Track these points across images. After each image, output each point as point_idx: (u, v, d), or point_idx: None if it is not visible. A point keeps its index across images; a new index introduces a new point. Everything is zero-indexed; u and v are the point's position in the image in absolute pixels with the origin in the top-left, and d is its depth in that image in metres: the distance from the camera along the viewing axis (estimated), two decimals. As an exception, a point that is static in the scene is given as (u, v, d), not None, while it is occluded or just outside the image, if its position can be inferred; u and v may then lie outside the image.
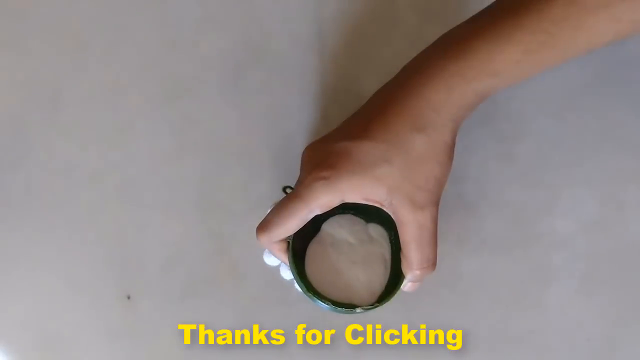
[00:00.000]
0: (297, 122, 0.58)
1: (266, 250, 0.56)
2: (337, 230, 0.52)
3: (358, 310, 0.49)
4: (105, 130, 0.58)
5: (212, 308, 0.56)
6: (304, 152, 0.50)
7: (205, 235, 0.57)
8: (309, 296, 0.50)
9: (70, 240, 0.57)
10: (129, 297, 0.56)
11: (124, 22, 0.59)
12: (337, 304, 0.50)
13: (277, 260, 0.56)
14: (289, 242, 0.50)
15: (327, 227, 0.52)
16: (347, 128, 0.49)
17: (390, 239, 0.52)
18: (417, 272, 0.49)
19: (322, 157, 0.48)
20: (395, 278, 0.51)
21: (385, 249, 0.52)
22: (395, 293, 0.50)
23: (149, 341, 0.56)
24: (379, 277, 0.51)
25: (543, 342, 0.56)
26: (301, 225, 0.48)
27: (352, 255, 0.51)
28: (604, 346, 0.56)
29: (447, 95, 0.46)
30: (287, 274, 0.56)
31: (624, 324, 0.56)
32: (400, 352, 0.56)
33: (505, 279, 0.56)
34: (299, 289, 0.50)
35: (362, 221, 0.52)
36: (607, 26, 0.45)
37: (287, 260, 0.50)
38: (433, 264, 0.49)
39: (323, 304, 0.49)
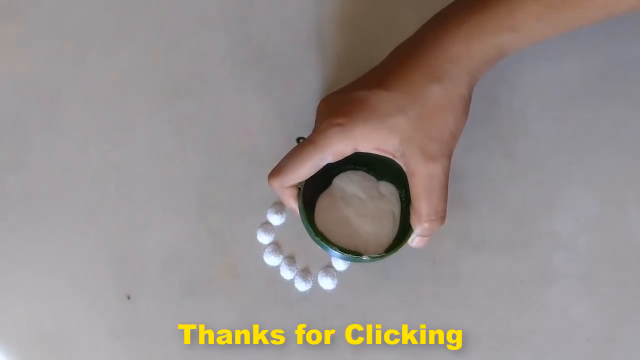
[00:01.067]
0: (297, 122, 0.58)
1: (266, 250, 0.56)
2: (348, 184, 0.52)
3: (364, 257, 0.50)
4: (105, 130, 0.58)
5: (212, 308, 0.56)
6: (319, 104, 0.50)
7: (205, 235, 0.57)
8: (317, 241, 0.50)
9: (70, 240, 0.57)
10: (129, 297, 0.56)
11: (124, 22, 0.59)
12: (344, 250, 0.50)
13: (277, 260, 0.56)
14: (299, 188, 0.50)
15: (339, 181, 0.52)
16: (364, 80, 0.49)
17: (400, 197, 0.52)
18: (426, 225, 0.48)
19: (337, 105, 0.48)
20: (403, 234, 0.51)
21: (395, 206, 0.52)
22: (403, 245, 0.50)
23: (149, 341, 0.56)
24: (387, 232, 0.51)
25: (543, 342, 0.56)
26: (313, 172, 0.48)
27: (362, 209, 0.52)
28: (604, 346, 0.56)
29: (466, 48, 0.46)
30: (287, 273, 0.56)
31: (624, 323, 0.56)
32: (400, 352, 0.56)
33: (505, 279, 0.56)
34: (308, 234, 0.50)
35: (373, 178, 0.53)
36: None
37: (296, 207, 0.50)
38: (442, 217, 0.48)
39: (330, 248, 0.50)
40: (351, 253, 0.50)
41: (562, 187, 0.57)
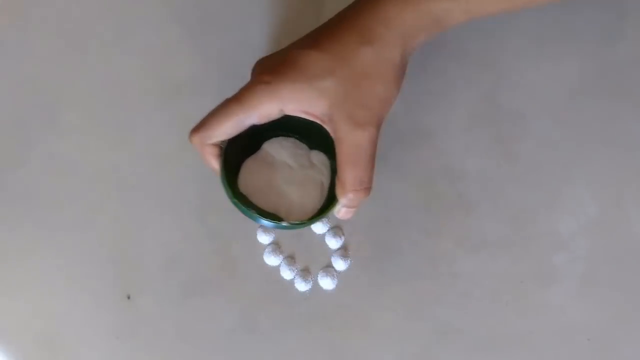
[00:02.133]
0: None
1: (266, 250, 0.56)
2: (278, 150, 0.50)
3: (284, 223, 0.48)
4: (105, 130, 0.58)
5: (212, 308, 0.56)
6: (254, 65, 0.48)
7: (205, 235, 0.57)
8: (234, 203, 0.48)
9: (70, 240, 0.57)
10: (129, 297, 0.56)
11: (124, 22, 0.59)
12: (263, 213, 0.48)
13: (277, 260, 0.56)
14: (221, 148, 0.48)
15: (268, 146, 0.50)
16: (299, 41, 0.48)
17: (331, 167, 0.50)
18: (350, 195, 0.47)
19: (268, 64, 0.46)
20: (329, 204, 0.49)
21: (325, 176, 0.50)
22: (326, 213, 0.48)
23: (149, 341, 0.56)
24: (312, 201, 0.49)
25: (543, 342, 0.56)
26: (237, 131, 0.46)
27: (289, 176, 0.50)
28: (604, 346, 0.56)
29: (400, 11, 0.45)
30: (287, 273, 0.56)
31: (624, 324, 0.56)
32: (401, 352, 0.56)
33: (505, 279, 0.56)
34: (227, 196, 0.48)
35: (305, 146, 0.51)
36: None
37: (217, 166, 0.48)
38: (367, 187, 0.47)
39: (249, 212, 0.47)
40: (270, 217, 0.48)
41: (562, 187, 0.57)
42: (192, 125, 0.57)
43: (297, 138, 0.51)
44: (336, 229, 0.57)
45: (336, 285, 0.56)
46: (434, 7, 0.45)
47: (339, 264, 0.56)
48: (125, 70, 0.58)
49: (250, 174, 0.50)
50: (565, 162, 0.57)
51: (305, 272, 0.56)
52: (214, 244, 0.57)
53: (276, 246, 0.57)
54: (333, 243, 0.56)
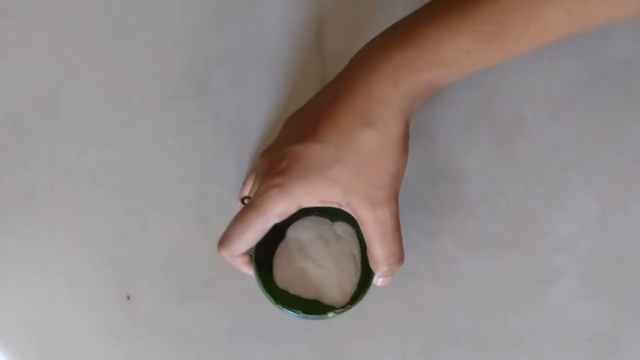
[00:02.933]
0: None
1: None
2: (303, 232, 0.51)
3: (330, 315, 0.48)
4: (105, 130, 0.58)
5: (212, 308, 0.56)
6: (258, 160, 0.49)
7: (205, 235, 0.57)
8: (279, 307, 0.48)
9: (70, 240, 0.57)
10: (129, 297, 0.56)
11: (124, 22, 0.59)
12: (308, 312, 0.48)
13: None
14: (251, 255, 0.49)
15: (292, 231, 0.51)
16: (296, 129, 0.48)
17: (358, 235, 0.51)
18: (384, 269, 0.47)
19: (273, 163, 0.46)
20: (366, 274, 0.49)
21: (354, 246, 0.51)
22: (367, 291, 0.49)
23: (148, 341, 0.56)
24: (349, 276, 0.50)
25: (543, 342, 0.56)
26: (260, 237, 0.47)
27: (320, 256, 0.50)
28: (604, 347, 0.56)
29: (395, 88, 0.44)
30: (287, 274, 0.56)
31: (624, 324, 0.56)
32: (401, 351, 0.56)
33: (505, 279, 0.56)
34: (271, 303, 0.49)
35: (327, 220, 0.51)
36: (559, 19, 0.44)
37: (252, 273, 0.49)
38: (400, 258, 0.48)
39: (294, 314, 0.48)
40: (315, 312, 0.48)
41: (562, 187, 0.57)
42: (192, 125, 0.58)
43: (316, 215, 0.51)
44: (336, 229, 0.57)
45: (336, 286, 0.56)
46: (427, 76, 0.45)
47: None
48: (125, 70, 0.58)
49: (284, 266, 0.50)
50: (566, 162, 0.57)
51: (305, 272, 0.56)
52: (214, 244, 0.56)
53: (276, 246, 0.57)
54: (333, 243, 0.56)
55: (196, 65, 0.58)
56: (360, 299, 0.49)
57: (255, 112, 0.58)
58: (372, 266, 0.48)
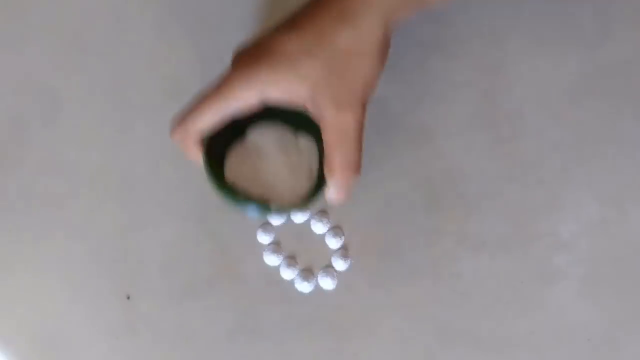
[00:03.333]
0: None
1: (266, 250, 0.56)
2: (263, 136, 0.49)
3: (273, 208, 0.46)
4: (105, 130, 0.58)
5: (212, 308, 0.56)
6: (233, 55, 0.47)
7: (205, 235, 0.57)
8: (222, 195, 0.46)
9: (70, 240, 0.57)
10: (129, 297, 0.56)
11: (124, 22, 0.59)
12: (250, 199, 0.46)
13: (277, 260, 0.56)
14: (204, 140, 0.47)
15: (253, 133, 0.49)
16: (276, 25, 0.46)
17: (319, 151, 0.48)
18: (339, 178, 0.45)
19: (245, 52, 0.45)
20: (320, 189, 0.48)
21: (313, 161, 0.49)
22: (316, 198, 0.47)
23: (149, 341, 0.56)
24: (302, 186, 0.48)
25: (543, 342, 0.56)
26: (217, 121, 0.45)
27: (277, 162, 0.48)
28: (604, 346, 0.56)
29: None
30: (287, 273, 0.56)
31: (624, 324, 0.56)
32: (401, 351, 0.56)
33: (505, 279, 0.56)
34: (212, 188, 0.46)
35: (290, 131, 0.49)
36: None
37: (199, 157, 0.47)
38: (356, 168, 0.46)
39: (236, 201, 0.46)
40: (259, 202, 0.46)
41: (562, 187, 0.57)
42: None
43: (281, 122, 0.49)
44: (336, 228, 0.57)
45: (336, 285, 0.56)
46: None
47: (339, 264, 0.56)
48: (125, 70, 0.58)
49: (237, 164, 0.48)
50: (566, 162, 0.57)
51: (306, 272, 0.56)
52: (214, 244, 0.57)
53: (276, 246, 0.57)
54: (333, 243, 0.56)
55: (196, 65, 0.58)
56: (308, 204, 0.47)
57: (255, 112, 0.58)
58: (327, 174, 0.46)
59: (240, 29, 0.59)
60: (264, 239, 0.56)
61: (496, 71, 0.58)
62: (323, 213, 0.57)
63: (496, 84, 0.58)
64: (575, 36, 0.58)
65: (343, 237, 0.57)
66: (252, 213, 0.46)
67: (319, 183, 0.48)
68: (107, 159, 0.57)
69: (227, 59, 0.58)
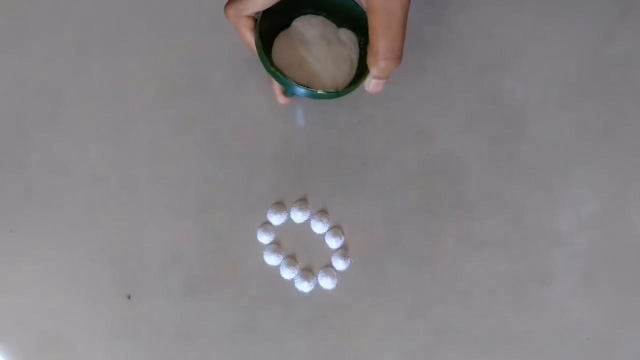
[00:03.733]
0: (296, 123, 0.58)
1: (266, 249, 0.56)
2: (307, 28, 0.51)
3: (320, 92, 0.48)
4: (105, 130, 0.58)
5: (212, 308, 0.56)
6: None
7: (205, 235, 0.57)
8: (272, 72, 0.48)
9: (70, 240, 0.57)
10: (129, 297, 0.56)
11: (124, 22, 0.59)
12: (298, 83, 0.48)
13: (277, 260, 0.56)
14: (256, 20, 0.49)
15: (298, 24, 0.51)
16: None
17: (359, 44, 0.51)
18: (382, 63, 0.47)
19: None
20: (360, 78, 0.50)
21: (354, 52, 0.51)
22: (359, 83, 0.49)
23: (149, 341, 0.56)
24: (343, 75, 0.50)
25: (543, 341, 0.56)
26: (270, 1, 0.47)
27: (319, 53, 0.50)
28: (604, 346, 0.56)
29: None
30: (287, 273, 0.56)
31: (624, 323, 0.56)
32: (401, 351, 0.56)
33: (505, 278, 0.56)
34: (263, 67, 0.49)
35: (333, 24, 0.52)
36: None
37: (252, 40, 0.49)
38: (398, 56, 0.47)
39: (286, 80, 0.48)
40: (305, 86, 0.48)
41: (562, 187, 0.57)
42: (192, 125, 0.58)
43: (325, 16, 0.52)
44: (336, 228, 0.57)
45: (336, 285, 0.56)
46: None
47: (339, 264, 0.56)
48: (125, 70, 0.58)
49: (283, 50, 0.50)
50: (565, 161, 0.57)
51: (306, 272, 0.56)
52: (214, 244, 0.57)
53: (276, 246, 0.57)
54: (333, 243, 0.56)
55: (196, 65, 0.58)
56: (351, 89, 0.49)
57: (255, 112, 0.58)
58: (370, 61, 0.47)
59: (240, 29, 0.59)
60: (264, 239, 0.56)
61: (496, 71, 0.58)
62: (323, 213, 0.57)
63: (496, 84, 0.58)
64: (575, 36, 0.58)
65: (343, 237, 0.57)
66: (298, 93, 0.49)
67: (360, 73, 0.50)
68: (107, 158, 0.57)
69: (227, 59, 0.58)
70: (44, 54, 0.58)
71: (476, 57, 0.58)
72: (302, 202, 0.57)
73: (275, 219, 0.57)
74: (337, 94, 0.49)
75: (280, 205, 0.57)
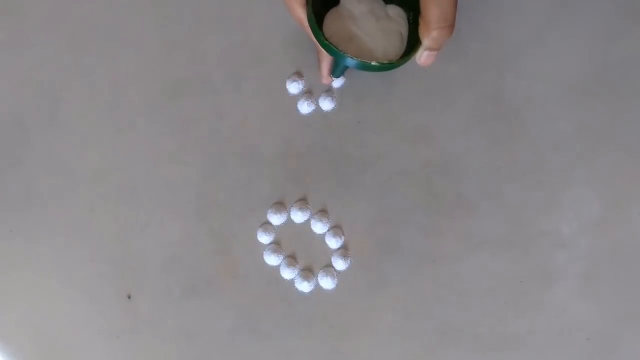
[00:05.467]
0: (297, 122, 0.58)
1: (266, 249, 0.56)
2: (355, 5, 0.51)
3: (373, 63, 0.48)
4: (105, 130, 0.58)
5: (212, 308, 0.56)
6: None
7: (205, 235, 0.57)
8: (325, 44, 0.48)
9: (70, 239, 0.57)
10: (129, 297, 0.56)
11: (124, 22, 0.59)
12: (351, 55, 0.48)
13: (277, 260, 0.56)
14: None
15: (346, 1, 0.51)
16: None
17: (408, 19, 0.51)
18: (434, 34, 0.47)
19: None
20: (411, 50, 0.50)
21: (403, 27, 0.51)
22: (412, 55, 0.49)
23: (149, 341, 0.56)
24: (394, 49, 0.50)
25: (543, 341, 0.56)
26: None
27: (369, 29, 0.51)
28: (603, 345, 0.56)
29: None
30: (287, 273, 0.56)
31: (624, 323, 0.56)
32: (401, 351, 0.56)
33: (505, 278, 0.56)
34: (316, 40, 0.49)
35: (380, 1, 0.52)
36: None
37: (304, 16, 0.50)
38: (451, 25, 0.47)
39: (339, 52, 0.48)
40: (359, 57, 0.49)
41: (562, 187, 0.57)
42: (192, 125, 0.58)
43: None
44: (336, 228, 0.57)
45: (336, 285, 0.56)
46: None
47: (339, 264, 0.56)
48: (125, 70, 0.58)
49: (333, 27, 0.50)
50: (566, 161, 0.57)
51: (306, 272, 0.56)
52: (214, 244, 0.57)
53: (276, 246, 0.57)
54: (333, 243, 0.56)
55: (196, 65, 0.58)
56: (405, 60, 0.49)
57: (255, 112, 0.58)
58: (422, 32, 0.48)
59: (240, 29, 0.59)
60: (264, 239, 0.56)
61: (496, 71, 0.58)
62: (323, 213, 0.57)
63: (496, 84, 0.58)
64: (575, 36, 0.58)
65: (343, 237, 0.57)
66: (351, 65, 0.49)
67: (410, 47, 0.50)
68: (107, 159, 0.58)
69: (227, 59, 0.58)
70: (44, 54, 0.58)
71: (476, 57, 0.58)
72: (302, 202, 0.57)
73: (275, 219, 0.57)
74: (390, 65, 0.49)
75: (280, 205, 0.57)
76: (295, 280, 0.56)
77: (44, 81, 0.58)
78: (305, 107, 0.57)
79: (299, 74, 0.58)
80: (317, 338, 0.56)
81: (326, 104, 0.57)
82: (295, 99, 0.58)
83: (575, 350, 0.56)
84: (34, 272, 0.57)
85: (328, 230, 0.57)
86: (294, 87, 0.58)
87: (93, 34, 0.59)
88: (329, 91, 0.58)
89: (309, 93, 0.58)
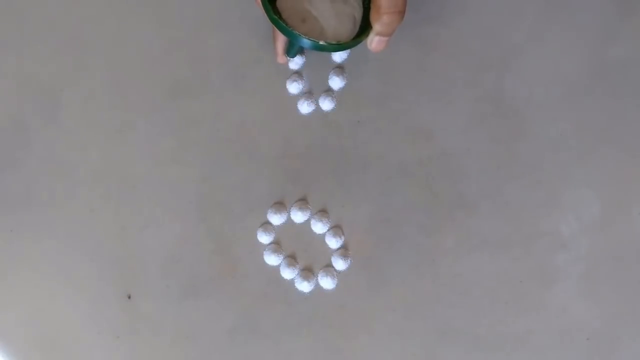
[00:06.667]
0: (297, 123, 0.58)
1: (266, 249, 0.56)
2: None
3: (322, 42, 0.49)
4: (105, 130, 0.58)
5: (212, 308, 0.56)
6: None
7: (205, 235, 0.57)
8: (273, 19, 0.49)
9: (70, 240, 0.57)
10: (129, 297, 0.56)
11: (124, 22, 0.59)
12: (302, 35, 0.49)
13: (277, 260, 0.56)
14: None
15: None
16: None
17: (363, 4, 0.52)
18: (385, 18, 0.48)
19: None
20: (363, 34, 0.51)
21: (357, 11, 0.52)
22: (361, 38, 0.50)
23: (149, 341, 0.56)
24: (346, 32, 0.51)
25: (543, 341, 0.56)
26: None
27: (323, 8, 0.51)
28: (603, 346, 0.56)
29: None
30: (287, 273, 0.56)
31: (624, 323, 0.56)
32: (401, 351, 0.56)
33: (505, 278, 0.56)
34: (267, 16, 0.49)
35: None
36: None
37: None
38: (401, 11, 0.48)
39: (288, 29, 0.49)
40: (308, 36, 0.49)
41: (563, 187, 0.57)
42: (192, 125, 0.58)
43: None
44: (336, 228, 0.57)
45: (336, 285, 0.56)
46: None
47: (339, 264, 0.56)
48: (125, 70, 0.58)
49: (288, 4, 0.51)
50: (566, 161, 0.57)
51: (306, 272, 0.56)
52: (214, 244, 0.57)
53: (276, 246, 0.57)
54: (333, 243, 0.56)
55: (196, 65, 0.58)
56: (353, 44, 0.50)
57: (255, 112, 0.58)
58: (373, 17, 0.49)
59: (240, 29, 0.59)
60: (264, 239, 0.56)
61: (496, 71, 0.58)
62: (323, 213, 0.57)
63: (496, 84, 0.58)
64: (576, 36, 0.58)
65: (343, 237, 0.57)
66: (301, 43, 0.49)
67: (362, 30, 0.51)
68: (107, 159, 0.57)
69: (227, 59, 0.58)
70: (44, 54, 0.58)
71: (476, 57, 0.58)
72: (302, 202, 0.57)
73: (275, 219, 0.57)
74: (339, 46, 0.49)
75: (280, 205, 0.57)
76: (295, 280, 0.56)
77: (44, 81, 0.58)
78: (305, 107, 0.57)
79: (299, 74, 0.58)
80: (317, 338, 0.56)
81: (326, 104, 0.57)
82: (295, 99, 0.58)
83: (575, 350, 0.56)
84: (34, 272, 0.57)
85: (328, 230, 0.57)
86: (294, 87, 0.58)
87: (93, 34, 0.59)
88: (329, 91, 0.58)
89: (309, 93, 0.58)
